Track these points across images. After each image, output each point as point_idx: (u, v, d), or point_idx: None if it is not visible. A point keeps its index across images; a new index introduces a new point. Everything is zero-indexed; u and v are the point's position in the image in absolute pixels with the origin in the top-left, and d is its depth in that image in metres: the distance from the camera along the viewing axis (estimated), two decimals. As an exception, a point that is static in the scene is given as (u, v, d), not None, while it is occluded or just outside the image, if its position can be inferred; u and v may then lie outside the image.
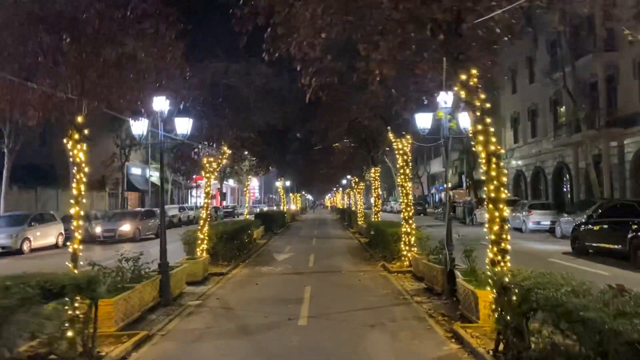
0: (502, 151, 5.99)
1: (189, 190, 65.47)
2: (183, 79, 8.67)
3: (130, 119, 8.61)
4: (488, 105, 6.13)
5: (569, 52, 24.58)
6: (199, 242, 12.56)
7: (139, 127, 8.72)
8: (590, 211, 19.28)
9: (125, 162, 41.12)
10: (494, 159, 6.08)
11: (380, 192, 22.91)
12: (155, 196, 54.98)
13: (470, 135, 6.25)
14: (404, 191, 12.51)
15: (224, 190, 55.80)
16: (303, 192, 74.69)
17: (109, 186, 43.92)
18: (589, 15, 25.41)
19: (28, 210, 24.89)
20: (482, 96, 6.02)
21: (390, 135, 12.54)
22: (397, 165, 12.59)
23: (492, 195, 6.14)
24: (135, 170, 48.24)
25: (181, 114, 9.06)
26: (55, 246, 21.78)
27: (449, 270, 8.94)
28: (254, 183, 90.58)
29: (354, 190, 30.71)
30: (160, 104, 8.55)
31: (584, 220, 16.43)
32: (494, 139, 6.11)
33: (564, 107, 30.44)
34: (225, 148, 12.64)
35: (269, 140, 27.58)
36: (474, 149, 6.22)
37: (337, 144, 12.24)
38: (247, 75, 12.81)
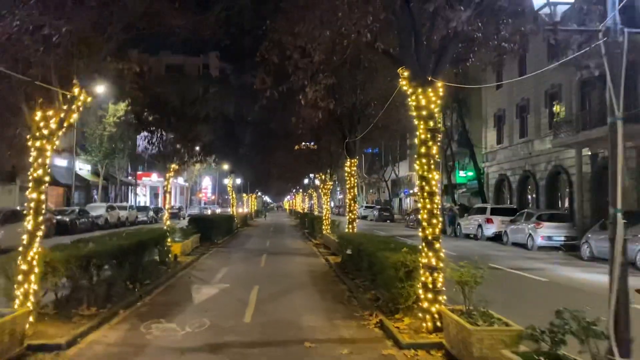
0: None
1: (130, 187, 57.49)
2: None
3: None
4: None
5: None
6: (21, 277, 6.20)
7: None
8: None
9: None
10: None
11: (347, 195, 16.97)
12: (86, 192, 47.22)
13: None
14: (427, 188, 6.57)
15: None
16: (259, 193, 68.31)
17: (21, 178, 36.50)
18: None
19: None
20: None
21: (403, 81, 6.63)
22: (417, 139, 6.64)
23: None
24: (60, 162, 40.66)
25: None
26: None
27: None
28: (205, 182, 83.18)
29: (321, 190, 24.70)
30: None
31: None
32: None
33: (563, 100, 26.06)
34: (76, 88, 6.19)
35: (217, 130, 23.86)
36: None
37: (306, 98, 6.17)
38: None
